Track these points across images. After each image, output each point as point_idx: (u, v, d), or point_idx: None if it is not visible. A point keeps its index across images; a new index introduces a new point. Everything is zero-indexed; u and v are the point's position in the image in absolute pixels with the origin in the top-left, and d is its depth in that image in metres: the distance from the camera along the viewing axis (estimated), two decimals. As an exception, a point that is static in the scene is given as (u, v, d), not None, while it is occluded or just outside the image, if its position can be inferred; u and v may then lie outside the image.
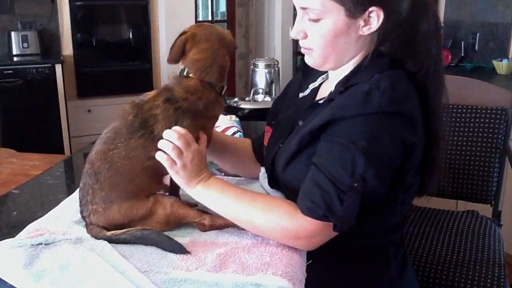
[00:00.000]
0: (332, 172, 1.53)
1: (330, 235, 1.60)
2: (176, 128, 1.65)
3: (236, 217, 1.66)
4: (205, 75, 1.76)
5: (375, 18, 1.61)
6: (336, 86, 1.70)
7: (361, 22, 1.63)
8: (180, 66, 1.80)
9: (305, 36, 1.71)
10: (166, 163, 1.64)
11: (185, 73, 1.76)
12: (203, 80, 1.75)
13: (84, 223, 1.68)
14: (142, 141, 1.66)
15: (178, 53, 1.76)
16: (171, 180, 1.78)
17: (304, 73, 2.00)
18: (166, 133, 1.63)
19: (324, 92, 1.82)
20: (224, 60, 1.81)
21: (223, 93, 1.82)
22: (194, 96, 1.72)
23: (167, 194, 1.78)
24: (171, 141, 1.62)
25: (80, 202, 1.69)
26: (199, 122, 1.73)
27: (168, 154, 1.63)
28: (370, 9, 1.60)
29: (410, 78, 1.65)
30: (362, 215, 1.55)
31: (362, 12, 1.60)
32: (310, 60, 1.76)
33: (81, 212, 1.69)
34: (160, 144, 1.63)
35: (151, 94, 1.73)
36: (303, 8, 1.66)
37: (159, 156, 1.64)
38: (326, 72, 1.89)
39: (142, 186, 1.68)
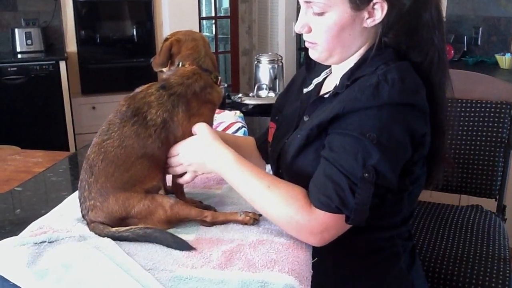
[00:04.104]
0: (344, 165, 1.53)
1: (343, 229, 1.59)
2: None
3: (253, 201, 1.67)
4: (202, 63, 1.81)
5: (379, 9, 1.61)
6: (341, 79, 1.70)
7: (365, 14, 1.63)
8: (166, 71, 1.86)
9: (309, 30, 1.71)
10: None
11: (180, 65, 1.80)
12: (200, 67, 1.80)
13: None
14: (135, 128, 1.66)
15: (165, 58, 1.82)
16: (173, 179, 1.80)
17: (308, 68, 1.99)
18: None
19: (328, 86, 1.82)
20: (212, 54, 1.88)
21: (218, 83, 1.85)
22: (191, 79, 1.75)
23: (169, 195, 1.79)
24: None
25: (79, 201, 1.69)
26: (193, 108, 1.75)
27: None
28: (374, 0, 1.60)
29: (414, 69, 1.65)
30: (378, 207, 1.56)
31: (366, 4, 1.60)
32: (315, 54, 1.76)
33: (81, 211, 1.68)
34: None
35: (144, 86, 1.75)
36: (307, 2, 1.66)
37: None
38: (330, 66, 1.88)
39: (138, 176, 1.68)
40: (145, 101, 1.69)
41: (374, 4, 1.61)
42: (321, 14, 1.64)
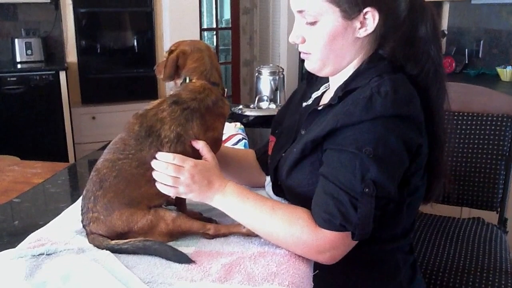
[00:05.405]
0: (343, 181, 1.53)
1: (350, 245, 1.59)
2: (161, 155, 1.66)
3: (256, 227, 1.65)
4: (209, 76, 1.80)
5: (371, 19, 1.63)
6: (335, 91, 1.71)
7: (357, 24, 1.64)
8: (174, 83, 1.85)
9: (303, 41, 1.73)
10: (171, 193, 1.67)
11: (187, 80, 1.79)
12: (208, 80, 1.79)
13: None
14: (153, 152, 1.65)
15: (172, 70, 1.81)
16: None
17: (308, 82, 2.01)
18: (154, 164, 1.65)
19: (326, 100, 1.81)
20: (218, 65, 1.87)
21: (225, 94, 1.85)
22: (202, 94, 1.74)
23: (170, 207, 1.77)
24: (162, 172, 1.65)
25: (82, 210, 1.68)
26: (208, 122, 1.74)
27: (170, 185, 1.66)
28: (365, 10, 1.62)
29: (411, 81, 1.65)
30: (380, 219, 1.56)
31: (358, 13, 1.62)
32: (310, 64, 1.77)
33: (82, 221, 1.67)
34: (155, 176, 1.66)
35: (155, 102, 1.74)
36: (300, 11, 1.68)
37: (161, 188, 1.66)
38: (328, 80, 1.88)
39: (147, 194, 1.67)
40: (158, 118, 1.68)
41: (365, 14, 1.62)
42: (313, 23, 1.66)
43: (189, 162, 1.66)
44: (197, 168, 1.66)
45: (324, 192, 1.57)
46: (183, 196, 1.70)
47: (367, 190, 1.50)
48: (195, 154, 1.71)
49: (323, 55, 1.71)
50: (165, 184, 1.65)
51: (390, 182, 1.54)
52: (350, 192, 1.52)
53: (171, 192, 1.66)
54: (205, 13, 9.18)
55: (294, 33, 1.73)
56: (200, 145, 1.71)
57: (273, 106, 3.93)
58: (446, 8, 6.35)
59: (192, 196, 1.68)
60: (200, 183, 1.66)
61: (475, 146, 2.81)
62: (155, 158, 1.65)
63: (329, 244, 1.55)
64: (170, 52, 1.83)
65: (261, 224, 1.63)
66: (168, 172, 1.63)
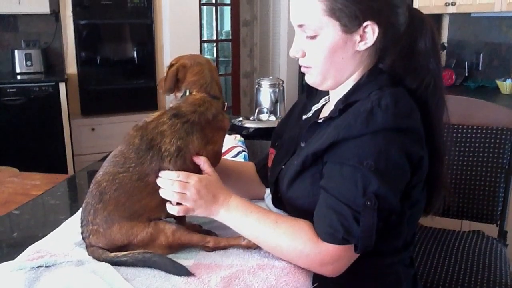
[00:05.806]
0: (344, 194, 1.54)
1: (353, 257, 1.60)
2: (165, 173, 1.66)
3: (260, 241, 1.66)
4: (210, 90, 1.79)
5: (371, 32, 1.64)
6: (336, 104, 1.71)
7: (357, 37, 1.65)
8: (174, 96, 1.84)
9: (304, 55, 1.73)
10: (181, 212, 1.67)
11: (188, 93, 1.78)
12: (208, 93, 1.78)
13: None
14: (154, 166, 1.65)
15: (172, 83, 1.80)
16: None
17: (308, 95, 2.00)
18: (159, 182, 1.66)
19: (326, 113, 1.81)
20: (218, 79, 1.86)
21: (225, 108, 1.84)
22: (203, 107, 1.73)
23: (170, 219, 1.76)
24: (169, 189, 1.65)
25: (81, 222, 1.67)
26: (208, 135, 1.74)
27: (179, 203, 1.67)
28: (365, 23, 1.62)
29: (410, 95, 1.65)
30: (382, 232, 1.56)
31: (358, 27, 1.63)
32: (310, 78, 1.78)
33: (81, 233, 1.67)
34: (162, 193, 1.66)
35: (154, 115, 1.73)
36: (300, 26, 1.68)
37: (170, 209, 1.67)
38: (329, 93, 1.88)
39: (148, 207, 1.67)
40: (158, 131, 1.68)
41: (365, 27, 1.63)
42: (313, 37, 1.67)
43: (194, 177, 1.66)
44: (202, 183, 1.67)
45: (326, 206, 1.57)
46: (190, 213, 1.69)
47: (369, 203, 1.50)
48: (195, 168, 1.71)
49: (324, 69, 1.71)
50: (172, 204, 1.66)
51: (392, 195, 1.54)
52: (352, 205, 1.52)
53: (180, 212, 1.66)
54: (205, 25, 9.20)
55: (295, 47, 1.74)
56: (201, 161, 1.71)
57: (273, 118, 3.93)
58: (446, 21, 6.37)
59: (199, 212, 1.68)
60: (206, 198, 1.67)
61: (475, 159, 2.81)
62: (157, 173, 1.65)
63: (332, 257, 1.56)
64: (171, 66, 1.82)
65: (265, 238, 1.63)
66: (174, 189, 1.64)
